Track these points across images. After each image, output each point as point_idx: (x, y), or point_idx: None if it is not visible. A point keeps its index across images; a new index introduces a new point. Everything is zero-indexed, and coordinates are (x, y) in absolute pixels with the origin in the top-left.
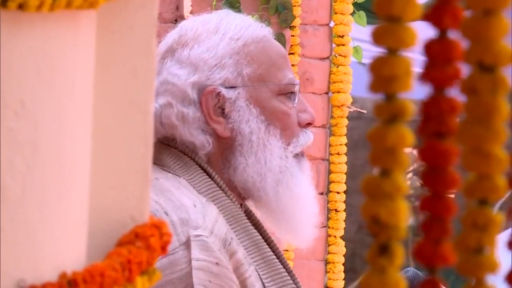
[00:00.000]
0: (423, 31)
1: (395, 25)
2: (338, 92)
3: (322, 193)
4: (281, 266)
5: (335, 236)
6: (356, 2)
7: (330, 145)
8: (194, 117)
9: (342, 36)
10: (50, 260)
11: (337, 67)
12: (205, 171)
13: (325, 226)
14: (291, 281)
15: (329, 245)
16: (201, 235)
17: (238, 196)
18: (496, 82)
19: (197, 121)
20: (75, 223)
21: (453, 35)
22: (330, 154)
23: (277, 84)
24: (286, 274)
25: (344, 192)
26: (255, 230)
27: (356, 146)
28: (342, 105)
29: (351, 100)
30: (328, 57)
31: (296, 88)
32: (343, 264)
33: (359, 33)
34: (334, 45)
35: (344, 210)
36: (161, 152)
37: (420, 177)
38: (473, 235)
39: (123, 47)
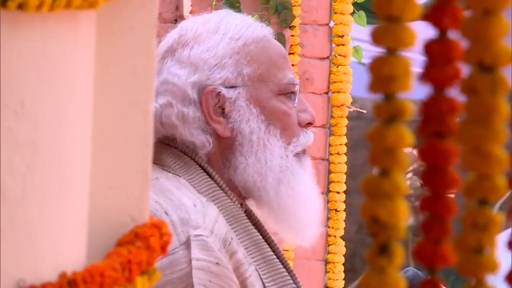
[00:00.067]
0: (423, 31)
1: (394, 25)
2: (338, 92)
3: (322, 193)
4: (281, 266)
5: (335, 236)
6: (356, 2)
7: (330, 145)
8: (194, 117)
9: (342, 36)
10: (50, 260)
11: (337, 67)
12: (205, 171)
13: (325, 226)
14: (292, 281)
15: (329, 245)
16: (201, 235)
17: (238, 196)
18: (496, 82)
19: (197, 121)
20: (75, 223)
21: (453, 35)
22: (330, 154)
23: (277, 84)
24: (287, 274)
25: (344, 192)
26: (255, 230)
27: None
28: (342, 105)
29: (351, 100)
30: (328, 57)
31: (296, 88)
32: (343, 264)
33: (359, 33)
34: (334, 45)
35: (344, 210)
36: (161, 151)
37: (420, 177)
38: (473, 235)
39: (123, 47)
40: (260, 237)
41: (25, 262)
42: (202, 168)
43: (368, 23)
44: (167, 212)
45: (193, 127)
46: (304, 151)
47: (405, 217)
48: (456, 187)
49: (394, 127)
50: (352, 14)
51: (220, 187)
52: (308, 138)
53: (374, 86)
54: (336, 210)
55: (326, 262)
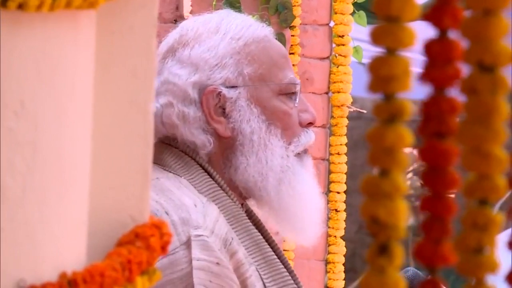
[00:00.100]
0: (423, 31)
1: (394, 25)
2: (338, 92)
3: (322, 193)
4: (282, 266)
5: (335, 236)
6: (356, 2)
7: (330, 145)
8: (195, 116)
9: (342, 36)
10: (50, 260)
11: (337, 67)
12: (206, 170)
13: (325, 226)
14: (292, 281)
15: (329, 245)
16: (202, 235)
17: (239, 196)
18: (496, 82)
19: (198, 121)
20: (75, 223)
21: (453, 35)
22: (330, 154)
23: (278, 84)
24: (287, 274)
25: (344, 192)
26: (256, 230)
27: (356, 146)
28: (342, 105)
29: (351, 100)
30: (328, 57)
31: (297, 88)
32: (343, 264)
33: (359, 33)
34: (334, 45)
35: (344, 210)
36: (162, 151)
37: (420, 177)
38: (473, 235)
39: (123, 47)
40: (261, 237)
41: (25, 262)
42: (203, 168)
43: (368, 23)
44: (167, 212)
45: (193, 127)
46: (305, 151)
47: (405, 217)
48: (456, 187)
49: (393, 127)
50: (353, 14)
51: (221, 187)
52: (309, 138)
53: (373, 86)
54: (336, 210)
55: (326, 262)
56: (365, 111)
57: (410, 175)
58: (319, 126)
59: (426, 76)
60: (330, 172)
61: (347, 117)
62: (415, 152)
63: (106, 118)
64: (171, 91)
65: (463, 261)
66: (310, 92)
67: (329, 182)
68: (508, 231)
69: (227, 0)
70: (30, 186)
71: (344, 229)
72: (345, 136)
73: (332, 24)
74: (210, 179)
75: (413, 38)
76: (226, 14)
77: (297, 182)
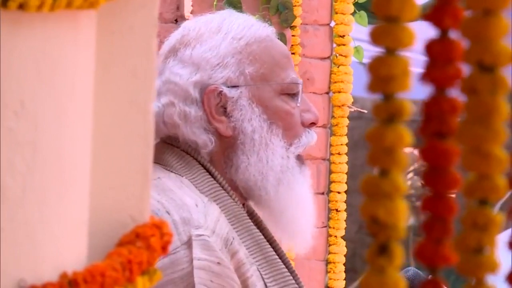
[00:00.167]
0: (424, 31)
1: (393, 25)
2: (339, 92)
3: (322, 193)
4: (283, 266)
5: (335, 236)
6: (357, 2)
7: (331, 145)
8: (196, 116)
9: (343, 36)
10: (50, 260)
11: (338, 67)
12: (207, 170)
13: (325, 226)
14: (293, 281)
15: (329, 245)
16: (203, 235)
17: (240, 196)
18: (496, 82)
19: (199, 120)
20: (75, 223)
21: (454, 35)
22: (331, 154)
23: (280, 84)
24: (288, 274)
25: (345, 192)
26: (257, 230)
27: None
28: (342, 105)
29: (352, 100)
30: (328, 57)
31: (299, 88)
32: (343, 264)
33: (360, 33)
34: (334, 45)
35: (345, 210)
36: (163, 151)
37: (421, 177)
38: (473, 235)
39: (123, 47)
40: (262, 237)
41: (25, 262)
42: (205, 167)
43: (369, 23)
44: (169, 212)
45: (195, 126)
46: (303, 161)
47: (404, 217)
48: (457, 187)
49: (393, 127)
50: (353, 14)
51: (222, 187)
52: (310, 138)
53: (373, 86)
54: (337, 210)
55: (327, 262)
56: (365, 111)
57: (410, 175)
58: (319, 126)
59: (427, 76)
60: (330, 172)
61: (348, 117)
62: (415, 152)
63: (106, 118)
64: (172, 90)
65: (463, 261)
66: (310, 92)
67: (330, 182)
68: (508, 231)
69: (228, 0)
70: (30, 186)
71: (345, 229)
72: (346, 136)
73: (332, 24)
74: (212, 179)
75: (413, 38)
76: (228, 14)
77: (295, 185)
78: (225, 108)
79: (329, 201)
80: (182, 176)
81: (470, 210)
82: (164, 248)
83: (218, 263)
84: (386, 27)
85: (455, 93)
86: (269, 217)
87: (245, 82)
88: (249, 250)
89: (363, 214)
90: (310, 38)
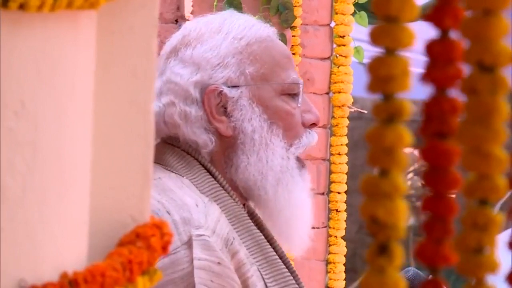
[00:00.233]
0: (424, 32)
1: (393, 25)
2: (339, 92)
3: (323, 193)
4: (284, 266)
5: (336, 236)
6: (357, 3)
7: (331, 145)
8: (196, 115)
9: (343, 37)
10: (50, 260)
11: (338, 68)
12: (208, 170)
13: (326, 226)
14: (294, 281)
15: (330, 245)
16: (203, 235)
17: (241, 196)
18: (496, 82)
19: (200, 120)
20: (75, 223)
21: (454, 35)
22: (331, 154)
23: (281, 84)
24: (289, 274)
25: (345, 192)
26: (257, 230)
27: (356, 146)
28: (343, 105)
29: (352, 100)
30: (329, 57)
31: (300, 88)
32: (344, 264)
33: (360, 34)
34: (334, 45)
35: (345, 210)
36: (164, 151)
37: (421, 177)
38: (473, 235)
39: (123, 47)
40: (263, 237)
41: (25, 262)
42: (205, 168)
43: (369, 23)
44: (169, 212)
45: (195, 126)
46: (303, 164)
47: (404, 217)
48: (458, 187)
49: (393, 127)
50: (353, 14)
51: (223, 187)
52: (311, 138)
53: (372, 86)
54: (337, 210)
55: (327, 262)
56: (365, 112)
57: (411, 175)
58: (320, 127)
59: (427, 76)
60: (330, 172)
61: (348, 118)
62: (415, 152)
63: (106, 118)
64: (173, 90)
65: (463, 261)
66: (311, 93)
67: (330, 182)
68: (508, 231)
69: (228, 0)
70: (30, 186)
71: (345, 229)
72: (346, 137)
73: (333, 24)
74: (212, 179)
75: (412, 38)
76: (229, 15)
77: (293, 187)
78: (226, 108)
79: (329, 201)
80: (183, 176)
81: (470, 210)
82: (164, 248)
83: (219, 263)
84: (386, 27)
85: (455, 93)
86: (268, 217)
87: (245, 82)
88: (249, 250)
89: (363, 214)
90: (310, 39)
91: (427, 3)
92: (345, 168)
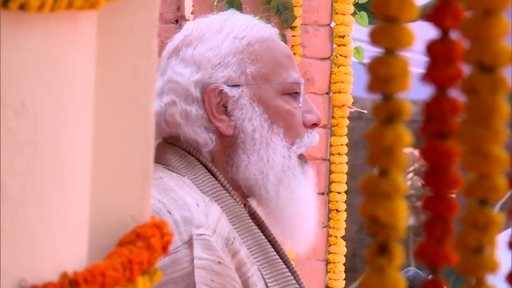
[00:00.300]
0: (424, 32)
1: (393, 25)
2: (339, 92)
3: (323, 193)
4: (284, 266)
5: (336, 236)
6: (357, 3)
7: (331, 145)
8: (197, 114)
9: (343, 37)
10: (50, 260)
11: (338, 68)
12: (209, 170)
13: (326, 226)
14: (294, 281)
15: (330, 245)
16: (204, 234)
17: (242, 195)
18: (496, 82)
19: (200, 119)
20: (75, 223)
21: (454, 35)
22: (331, 154)
23: (281, 83)
24: (289, 274)
25: (345, 192)
26: (258, 230)
27: (356, 146)
28: (343, 105)
29: (352, 100)
30: (329, 57)
31: (301, 88)
32: (344, 264)
33: (361, 34)
34: (335, 46)
35: (345, 210)
36: (165, 151)
37: (421, 177)
38: (473, 235)
39: (123, 47)
40: (263, 237)
41: (25, 262)
42: (206, 167)
43: (370, 23)
44: (170, 211)
45: (196, 125)
46: (306, 160)
47: (404, 217)
48: (458, 187)
49: (392, 127)
50: (354, 14)
51: (223, 187)
52: (312, 138)
53: (372, 86)
54: (337, 210)
55: (327, 262)
56: (365, 112)
57: (411, 175)
58: (320, 127)
59: (428, 76)
60: (330, 172)
61: (348, 118)
62: (415, 152)
63: (106, 118)
64: (174, 89)
65: (463, 261)
66: (311, 93)
67: (330, 182)
68: (508, 231)
69: (228, 0)
70: (30, 186)
71: (345, 229)
72: (346, 137)
73: (333, 24)
74: (213, 179)
75: (412, 39)
76: (231, 15)
77: (296, 186)
78: (226, 107)
79: (329, 201)
80: (184, 176)
81: (470, 210)
82: (164, 248)
83: (219, 262)
84: (385, 27)
85: (456, 93)
86: (270, 216)
87: (246, 81)
88: (250, 250)
89: (363, 214)
90: (310, 39)
91: (427, 3)
92: (345, 168)
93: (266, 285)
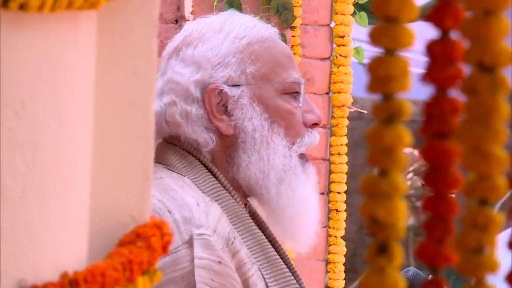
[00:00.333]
0: (424, 32)
1: (392, 25)
2: (339, 92)
3: (322, 193)
4: (285, 266)
5: (335, 236)
6: (357, 3)
7: (330, 145)
8: (197, 114)
9: (343, 37)
10: (50, 260)
11: (338, 68)
12: (209, 170)
13: (325, 226)
14: (295, 281)
15: (329, 245)
16: (204, 234)
17: (242, 195)
18: (496, 82)
19: (200, 119)
20: (75, 223)
21: (454, 35)
22: (331, 154)
23: (281, 83)
24: (290, 274)
25: (345, 192)
26: (258, 230)
27: (356, 146)
28: (342, 105)
29: (352, 101)
30: (328, 58)
31: (301, 88)
32: (343, 264)
33: (360, 34)
34: (334, 46)
35: (345, 210)
36: (166, 151)
37: (421, 177)
38: (473, 235)
39: (123, 47)
40: (264, 237)
41: (25, 262)
42: (207, 167)
43: (369, 24)
44: (170, 211)
45: (196, 125)
46: (307, 158)
47: (404, 217)
48: (458, 187)
49: (392, 127)
50: (353, 15)
51: (224, 187)
52: (313, 138)
53: (372, 86)
54: (336, 210)
55: (327, 262)
56: (365, 112)
57: (410, 175)
58: (319, 127)
59: (428, 76)
60: (330, 172)
61: (348, 118)
62: (415, 152)
63: (106, 118)
64: (174, 89)
65: (463, 261)
66: (310, 93)
67: (330, 182)
68: (508, 231)
69: (228, 0)
70: (30, 186)
71: (345, 229)
72: (346, 137)
73: (332, 24)
74: (214, 179)
75: (412, 39)
76: (231, 15)
77: (297, 185)
78: (226, 107)
79: (329, 201)
80: (184, 176)
81: (470, 210)
82: (164, 248)
83: (219, 262)
84: (385, 27)
85: (456, 93)
86: (271, 216)
87: (246, 81)
88: (250, 250)
89: (362, 214)
90: (310, 39)
91: (427, 3)
92: (345, 168)
93: (267, 285)
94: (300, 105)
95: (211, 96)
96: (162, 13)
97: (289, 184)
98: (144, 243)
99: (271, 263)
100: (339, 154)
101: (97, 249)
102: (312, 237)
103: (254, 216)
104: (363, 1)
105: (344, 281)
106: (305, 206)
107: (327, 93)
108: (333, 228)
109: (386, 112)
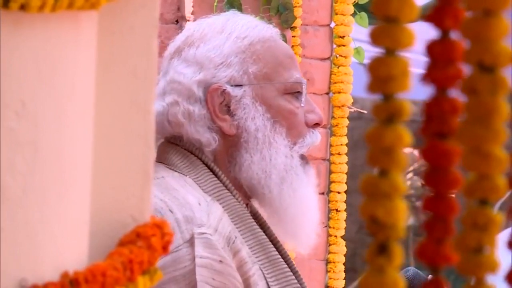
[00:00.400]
0: (425, 32)
1: (393, 25)
2: (339, 92)
3: (323, 193)
4: (286, 266)
5: (335, 236)
6: (357, 3)
7: (330, 145)
8: (199, 114)
9: (343, 37)
10: (50, 260)
11: (338, 68)
12: (211, 170)
13: (326, 226)
14: (296, 281)
15: (329, 244)
16: (205, 233)
17: (244, 195)
18: (496, 83)
19: (203, 119)
20: (76, 223)
21: (455, 35)
22: (331, 154)
23: (283, 83)
24: (291, 274)
25: (345, 192)
26: (260, 230)
27: (356, 146)
28: (342, 106)
29: (352, 101)
30: (328, 58)
31: (303, 88)
32: (343, 264)
33: (361, 34)
34: (334, 46)
35: (345, 210)
36: (168, 151)
37: (421, 177)
38: (473, 235)
39: (123, 47)
40: (265, 237)
41: (26, 262)
42: (208, 167)
43: (370, 24)
44: (171, 210)
45: (198, 125)
46: (307, 161)
47: (404, 217)
48: (458, 187)
49: (392, 127)
50: (354, 15)
51: (225, 186)
52: (315, 138)
53: (372, 86)
54: (337, 210)
55: (327, 261)
56: (365, 112)
57: (410, 175)
58: (320, 127)
59: (428, 76)
60: (330, 172)
61: (348, 118)
62: (415, 152)
63: (106, 118)
64: (176, 89)
65: (463, 261)
66: (311, 93)
67: (330, 182)
68: (508, 231)
69: (228, 0)
70: (31, 186)
71: (345, 229)
72: (346, 137)
73: (332, 25)
74: (215, 178)
75: (412, 39)
76: (232, 15)
77: (298, 185)
78: (229, 107)
79: (329, 201)
80: (186, 176)
81: (470, 210)
82: (165, 248)
83: (220, 261)
84: (386, 27)
85: (456, 94)
86: (273, 216)
87: (248, 81)
88: (251, 249)
89: (362, 214)
90: (310, 39)
91: (427, 4)
92: (345, 168)
93: (268, 284)
94: (302, 105)
95: (213, 96)
96: (163, 14)
97: (291, 183)
98: (144, 242)
99: (272, 263)
100: (339, 154)
101: (98, 249)
102: (313, 238)
103: (255, 216)
104: (363, 1)
105: (344, 280)
106: (306, 206)
107: (327, 93)
108: (333, 228)
109: (386, 112)
